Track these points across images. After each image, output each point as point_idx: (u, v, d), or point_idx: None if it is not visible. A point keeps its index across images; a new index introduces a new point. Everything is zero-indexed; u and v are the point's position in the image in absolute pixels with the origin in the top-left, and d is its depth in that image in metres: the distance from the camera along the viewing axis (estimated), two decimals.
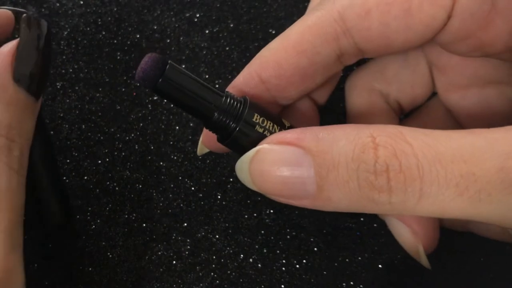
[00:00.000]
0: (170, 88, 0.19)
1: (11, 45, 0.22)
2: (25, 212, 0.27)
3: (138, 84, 0.18)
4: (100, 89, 0.31)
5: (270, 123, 0.20)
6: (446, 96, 0.25)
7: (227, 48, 0.32)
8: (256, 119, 0.20)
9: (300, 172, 0.18)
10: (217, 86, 0.31)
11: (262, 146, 0.19)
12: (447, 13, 0.20)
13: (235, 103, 0.20)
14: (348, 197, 0.18)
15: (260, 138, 0.20)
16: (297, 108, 0.25)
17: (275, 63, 0.21)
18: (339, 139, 0.18)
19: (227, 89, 0.22)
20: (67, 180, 0.28)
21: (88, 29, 0.32)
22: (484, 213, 0.17)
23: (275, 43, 0.22)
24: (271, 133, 0.20)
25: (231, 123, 0.20)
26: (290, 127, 0.21)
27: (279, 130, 0.20)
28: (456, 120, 0.26)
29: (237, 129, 0.20)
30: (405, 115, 0.27)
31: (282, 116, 0.22)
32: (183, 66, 0.31)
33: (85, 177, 0.29)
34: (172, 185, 0.29)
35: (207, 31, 0.32)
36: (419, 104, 0.27)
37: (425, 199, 0.17)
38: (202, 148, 0.24)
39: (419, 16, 0.20)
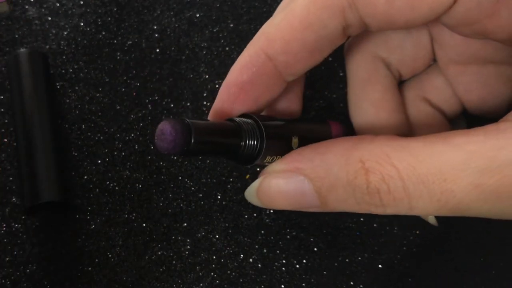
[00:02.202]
0: (200, 146, 0.19)
1: None
2: (19, 185, 0.27)
3: (165, 153, 0.18)
4: (100, 89, 0.31)
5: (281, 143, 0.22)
6: (446, 69, 0.26)
7: (227, 48, 0.32)
8: (270, 149, 0.21)
9: (303, 194, 0.21)
10: (217, 86, 0.31)
11: (265, 176, 0.22)
12: None
13: (250, 127, 0.21)
14: (350, 208, 0.21)
15: (273, 151, 0.22)
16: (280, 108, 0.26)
17: (281, 40, 0.21)
18: (332, 165, 0.20)
19: (232, 68, 0.22)
20: (67, 180, 0.28)
21: (88, 29, 0.32)
22: (468, 214, 0.20)
23: (278, 19, 0.21)
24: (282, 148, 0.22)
25: (256, 145, 0.21)
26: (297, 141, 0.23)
27: (286, 147, 0.22)
28: (454, 91, 0.26)
29: (261, 153, 0.21)
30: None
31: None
32: (183, 67, 0.31)
33: (85, 177, 0.29)
34: (172, 185, 0.29)
35: (207, 31, 0.32)
36: (419, 72, 0.27)
37: (415, 209, 0.20)
38: None
39: None
